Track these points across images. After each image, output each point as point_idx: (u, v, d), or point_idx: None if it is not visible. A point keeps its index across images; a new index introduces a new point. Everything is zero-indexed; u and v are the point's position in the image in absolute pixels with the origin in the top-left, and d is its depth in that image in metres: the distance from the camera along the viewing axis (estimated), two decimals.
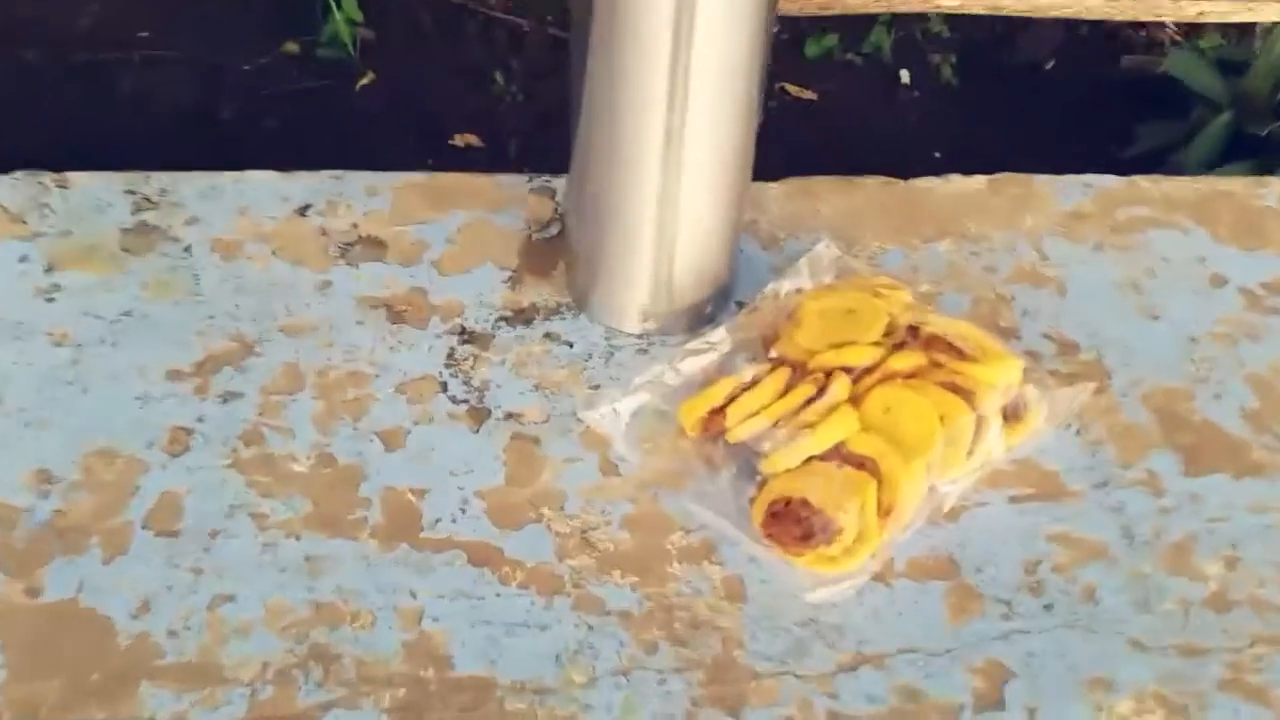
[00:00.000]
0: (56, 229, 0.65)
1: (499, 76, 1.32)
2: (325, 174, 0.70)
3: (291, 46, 1.33)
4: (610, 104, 0.55)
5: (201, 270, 0.63)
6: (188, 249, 0.64)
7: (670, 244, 0.59)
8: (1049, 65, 1.42)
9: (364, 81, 1.30)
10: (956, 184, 0.73)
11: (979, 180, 0.74)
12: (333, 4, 1.32)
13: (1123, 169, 1.05)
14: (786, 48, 1.35)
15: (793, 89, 1.26)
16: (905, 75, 1.30)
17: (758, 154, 0.60)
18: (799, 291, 0.62)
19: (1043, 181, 0.74)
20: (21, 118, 1.24)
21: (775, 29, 0.55)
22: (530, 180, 0.71)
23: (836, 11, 0.84)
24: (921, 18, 1.40)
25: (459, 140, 1.23)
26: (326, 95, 1.30)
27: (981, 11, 0.85)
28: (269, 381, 0.58)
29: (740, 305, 0.64)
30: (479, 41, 1.39)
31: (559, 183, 0.70)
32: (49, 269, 0.63)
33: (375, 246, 0.66)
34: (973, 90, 1.38)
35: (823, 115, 1.25)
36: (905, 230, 0.70)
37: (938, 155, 1.21)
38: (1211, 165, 1.15)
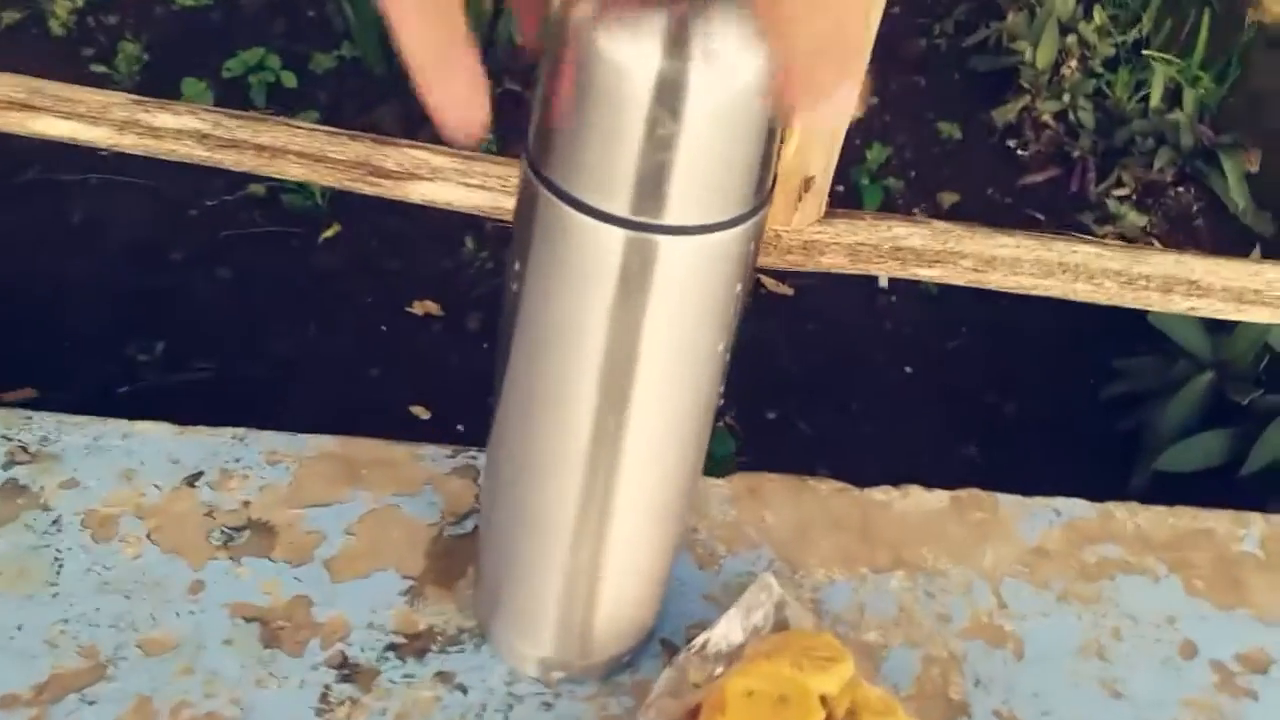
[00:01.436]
0: None
1: (469, 241, 1.27)
2: (227, 433, 0.63)
3: (257, 188, 1.28)
4: (527, 406, 0.48)
5: (66, 554, 0.56)
6: (56, 522, 0.58)
7: (587, 594, 0.52)
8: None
9: (328, 234, 1.25)
10: (915, 500, 0.68)
11: (941, 498, 0.68)
12: None
13: (1100, 410, 1.00)
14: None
15: (769, 283, 1.21)
16: (884, 279, 1.26)
17: None
18: (727, 650, 0.56)
19: (1009, 507, 0.68)
20: None
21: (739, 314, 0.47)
22: (454, 455, 0.65)
23: (809, 269, 0.80)
24: None
25: (418, 308, 1.18)
26: (287, 244, 1.25)
27: (964, 284, 0.81)
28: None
29: (664, 644, 0.58)
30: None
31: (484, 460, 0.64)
32: None
33: (264, 535, 0.59)
34: (952, 303, 1.34)
35: (796, 312, 1.21)
36: (857, 555, 0.64)
37: (909, 370, 1.17)
38: (1189, 428, 1.11)
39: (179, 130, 0.78)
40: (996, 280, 0.82)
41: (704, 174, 0.38)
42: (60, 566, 0.56)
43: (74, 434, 0.62)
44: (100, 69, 1.58)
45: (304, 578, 0.57)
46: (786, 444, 1.14)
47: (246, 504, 0.60)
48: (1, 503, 0.58)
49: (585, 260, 0.41)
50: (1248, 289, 0.83)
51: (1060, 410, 1.19)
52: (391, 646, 0.55)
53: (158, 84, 1.58)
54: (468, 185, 0.81)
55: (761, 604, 0.58)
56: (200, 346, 1.10)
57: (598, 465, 0.47)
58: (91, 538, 0.57)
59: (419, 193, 0.79)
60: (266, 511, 0.60)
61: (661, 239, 0.40)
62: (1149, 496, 1.11)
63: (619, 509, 0.48)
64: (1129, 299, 0.80)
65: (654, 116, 0.37)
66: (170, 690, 0.52)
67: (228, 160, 0.78)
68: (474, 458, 0.65)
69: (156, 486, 0.60)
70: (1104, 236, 1.66)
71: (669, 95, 0.36)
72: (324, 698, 0.53)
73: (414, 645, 0.56)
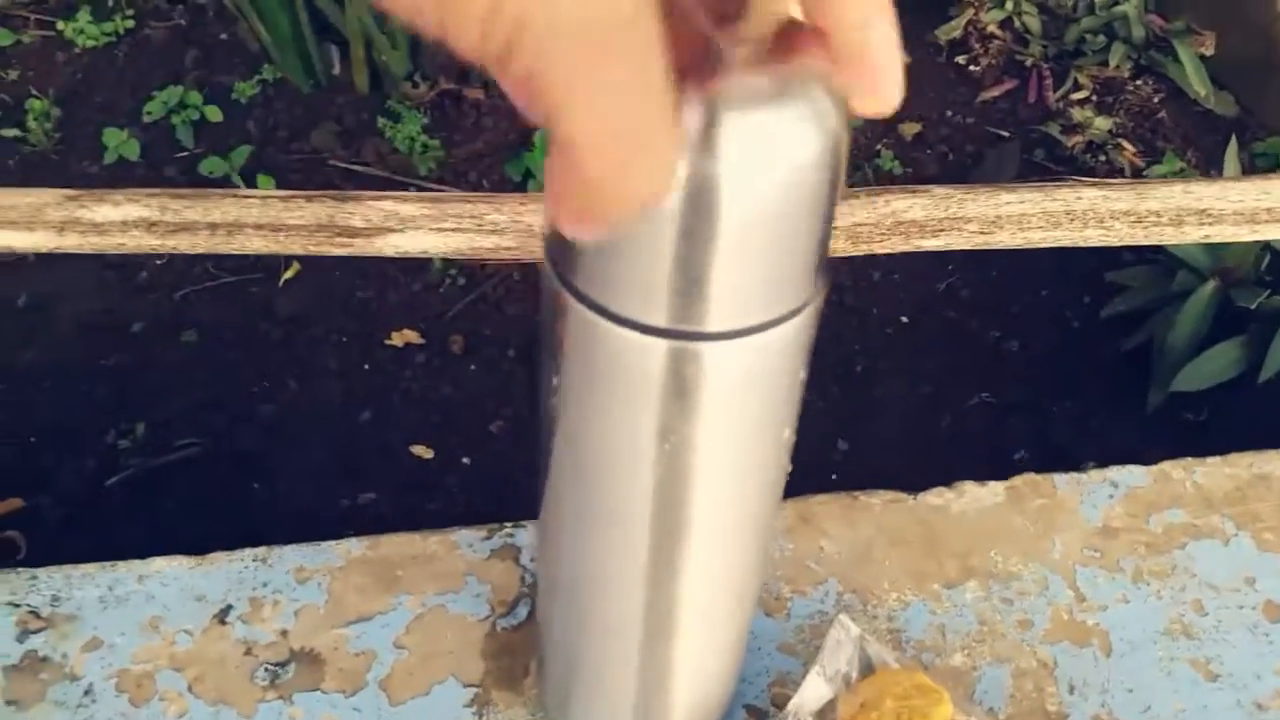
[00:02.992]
0: None
1: (436, 259, 1.22)
2: (247, 555, 0.60)
3: None
4: (578, 525, 0.44)
5: None
6: (88, 692, 0.54)
7: (663, 687, 0.49)
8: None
9: (288, 274, 1.19)
10: (971, 498, 0.65)
11: (996, 491, 0.66)
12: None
13: (1100, 328, 0.98)
14: None
15: None
16: None
17: None
18: (819, 709, 0.53)
19: (1065, 488, 0.66)
20: None
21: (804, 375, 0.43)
22: (488, 537, 0.61)
23: None
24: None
25: (396, 339, 1.13)
26: (247, 292, 1.19)
27: (970, 248, 0.78)
28: None
29: (749, 711, 0.55)
30: None
31: (524, 535, 0.61)
32: None
33: (311, 665, 0.56)
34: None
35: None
36: (924, 571, 0.61)
37: (905, 320, 1.14)
38: (1200, 343, 1.09)
39: (124, 222, 0.72)
40: (1004, 239, 0.79)
41: (751, 274, 0.34)
42: None
43: (86, 587, 0.58)
44: (12, 132, 1.50)
45: (363, 707, 0.54)
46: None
47: (284, 633, 0.56)
48: (24, 681, 0.54)
49: (627, 375, 0.37)
50: (1260, 209, 0.81)
51: (1064, 337, 1.17)
52: None
53: (77, 139, 1.50)
54: (441, 230, 0.77)
55: (843, 647, 0.56)
56: (181, 421, 1.05)
57: (660, 577, 0.43)
58: (130, 702, 0.54)
59: (392, 245, 0.75)
60: (308, 637, 0.56)
61: (710, 346, 0.36)
62: (1168, 415, 1.10)
63: (687, 609, 0.45)
64: (1141, 237, 0.77)
65: (688, 224, 0.33)
66: None
67: (182, 245, 0.73)
68: (510, 535, 0.61)
69: (187, 631, 0.56)
70: (1072, 146, 1.63)
71: (703, 199, 0.32)
72: None
73: None
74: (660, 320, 0.35)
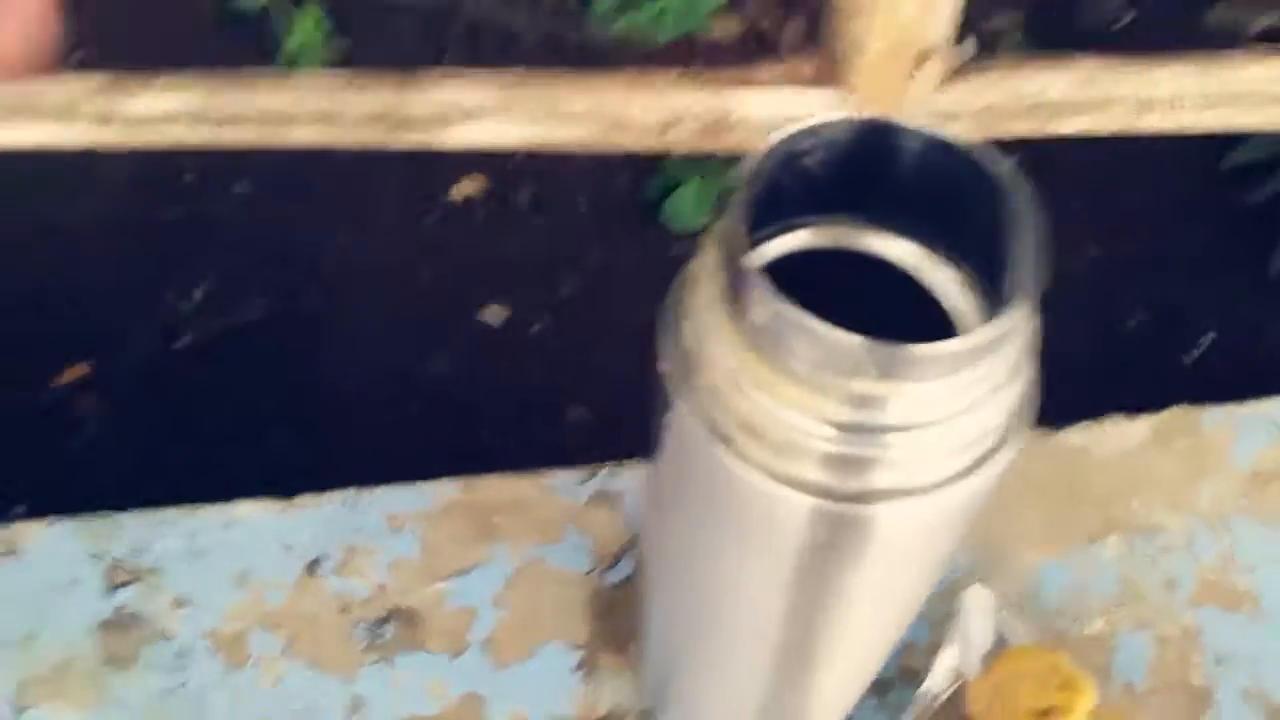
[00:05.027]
0: (16, 630, 0.52)
1: None
2: (336, 498, 0.56)
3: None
4: (693, 658, 0.42)
5: (205, 692, 0.51)
6: (182, 654, 0.52)
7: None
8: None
9: None
10: (1117, 436, 0.59)
11: (1141, 429, 0.59)
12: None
13: (1223, 180, 0.89)
14: None
15: None
16: None
17: None
18: (954, 692, 0.50)
19: (1216, 425, 0.59)
20: None
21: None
22: (586, 480, 0.57)
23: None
24: None
25: (456, 193, 1.05)
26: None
27: (1114, 132, 0.67)
28: None
29: (875, 687, 0.52)
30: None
31: (624, 478, 0.57)
32: (20, 709, 0.51)
33: (410, 624, 0.53)
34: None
35: None
36: (1066, 524, 0.56)
37: None
38: None
39: (166, 114, 0.64)
40: (1153, 123, 0.68)
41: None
42: (204, 710, 0.51)
43: (168, 535, 0.55)
44: None
45: (467, 669, 0.52)
46: None
47: (381, 588, 0.54)
48: (118, 638, 0.52)
49: (768, 529, 0.31)
50: None
51: (1186, 189, 1.06)
52: None
53: None
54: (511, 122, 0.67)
55: (973, 619, 0.52)
56: (242, 281, 1.01)
57: (783, 702, 0.40)
58: (224, 666, 0.52)
59: (458, 138, 0.66)
60: (405, 593, 0.54)
61: (870, 509, 0.30)
62: None
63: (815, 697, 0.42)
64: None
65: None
66: None
67: (225, 138, 0.65)
68: (610, 478, 0.57)
69: (277, 586, 0.54)
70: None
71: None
72: None
73: None
74: (817, 476, 0.29)
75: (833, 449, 0.28)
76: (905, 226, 0.32)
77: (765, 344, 0.27)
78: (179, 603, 0.53)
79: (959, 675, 0.51)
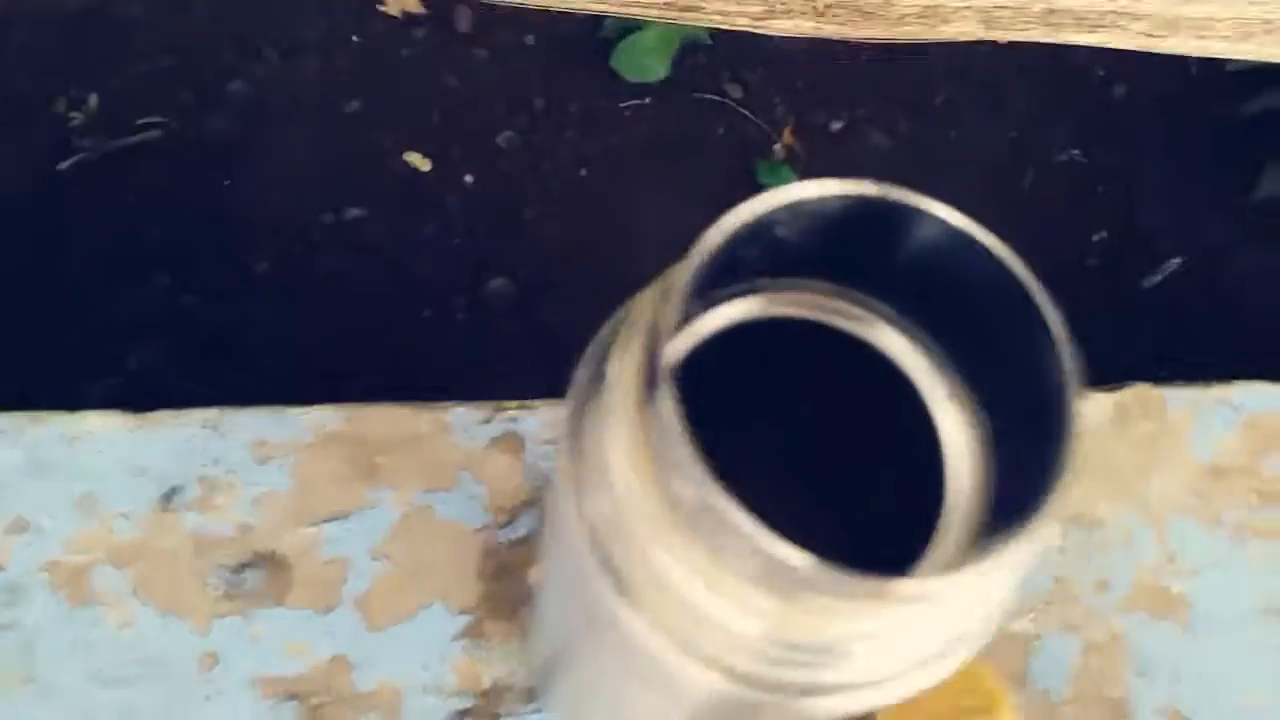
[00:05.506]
0: None
1: None
2: (196, 419, 0.49)
3: None
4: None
5: (41, 634, 0.45)
6: (16, 589, 0.46)
7: None
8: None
9: None
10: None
11: (1103, 406, 0.54)
12: None
13: (1225, 81, 0.84)
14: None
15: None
16: None
17: None
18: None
19: (1180, 409, 0.55)
20: None
21: None
22: (487, 420, 0.51)
23: (928, 39, 0.57)
24: None
25: (392, 5, 0.93)
26: None
27: (1132, 49, 0.59)
28: None
29: None
30: None
31: (534, 418, 0.51)
32: None
33: (275, 572, 0.47)
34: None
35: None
36: None
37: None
38: None
39: None
40: (1174, 44, 0.60)
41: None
42: (37, 654, 0.45)
43: (6, 447, 0.48)
44: None
45: (335, 629, 0.47)
46: (858, 162, 0.96)
47: (244, 528, 0.48)
48: None
49: (666, 690, 0.25)
50: None
51: (1179, 86, 0.98)
52: (460, 715, 0.46)
53: None
54: None
55: None
56: (140, 95, 0.89)
57: None
58: (66, 603, 0.46)
59: None
60: (271, 537, 0.48)
61: (799, 703, 0.24)
62: None
63: None
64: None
65: None
66: None
67: None
68: (513, 420, 0.51)
69: (125, 516, 0.48)
70: None
71: None
72: None
73: (484, 709, 0.47)
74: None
75: (763, 648, 0.22)
76: (898, 311, 0.25)
77: (687, 512, 0.21)
78: (15, 528, 0.47)
79: None
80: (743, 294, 0.24)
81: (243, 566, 0.47)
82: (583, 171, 0.92)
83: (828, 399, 0.24)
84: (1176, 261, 0.91)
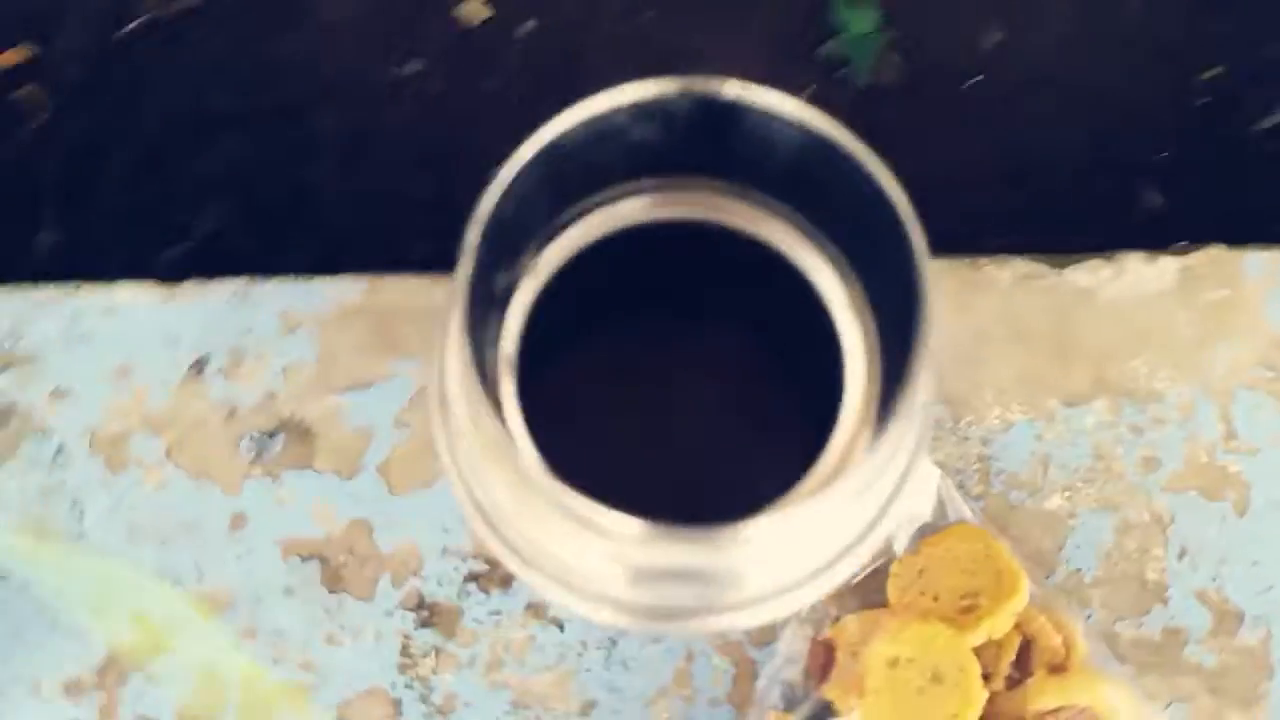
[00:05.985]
0: None
1: None
2: (225, 290, 0.50)
3: None
4: None
5: (84, 494, 0.48)
6: (61, 451, 0.49)
7: None
8: None
9: None
10: (1132, 279, 0.50)
11: (1166, 270, 0.50)
12: None
13: None
14: None
15: None
16: None
17: None
18: (878, 569, 0.45)
19: (1257, 274, 0.50)
20: None
21: None
22: None
23: None
24: None
25: None
26: None
27: None
28: (188, 699, 0.47)
29: None
30: None
31: None
32: None
33: (301, 439, 0.49)
34: None
35: None
36: (1045, 381, 0.49)
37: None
38: None
39: None
40: None
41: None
42: (82, 512, 0.48)
43: (49, 316, 0.50)
44: None
45: (359, 495, 0.48)
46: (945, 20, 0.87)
47: (271, 396, 0.49)
48: None
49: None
50: None
51: None
52: (472, 577, 0.48)
53: None
54: None
55: (914, 489, 0.46)
56: None
57: None
58: (105, 466, 0.49)
59: None
60: (297, 404, 0.49)
61: (673, 625, 0.22)
62: None
63: None
64: None
65: None
66: (235, 659, 0.47)
67: None
68: None
69: (162, 383, 0.49)
70: None
71: None
72: (405, 650, 0.47)
73: (497, 573, 0.48)
74: None
75: (626, 593, 0.21)
76: (770, 197, 0.23)
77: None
78: (57, 393, 0.49)
79: (885, 551, 0.46)
80: (633, 194, 0.22)
81: (270, 434, 0.49)
82: (649, 14, 0.87)
83: (724, 298, 0.22)
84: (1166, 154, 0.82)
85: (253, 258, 0.84)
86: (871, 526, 0.24)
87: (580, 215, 0.23)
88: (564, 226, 0.22)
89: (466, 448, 0.21)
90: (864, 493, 0.22)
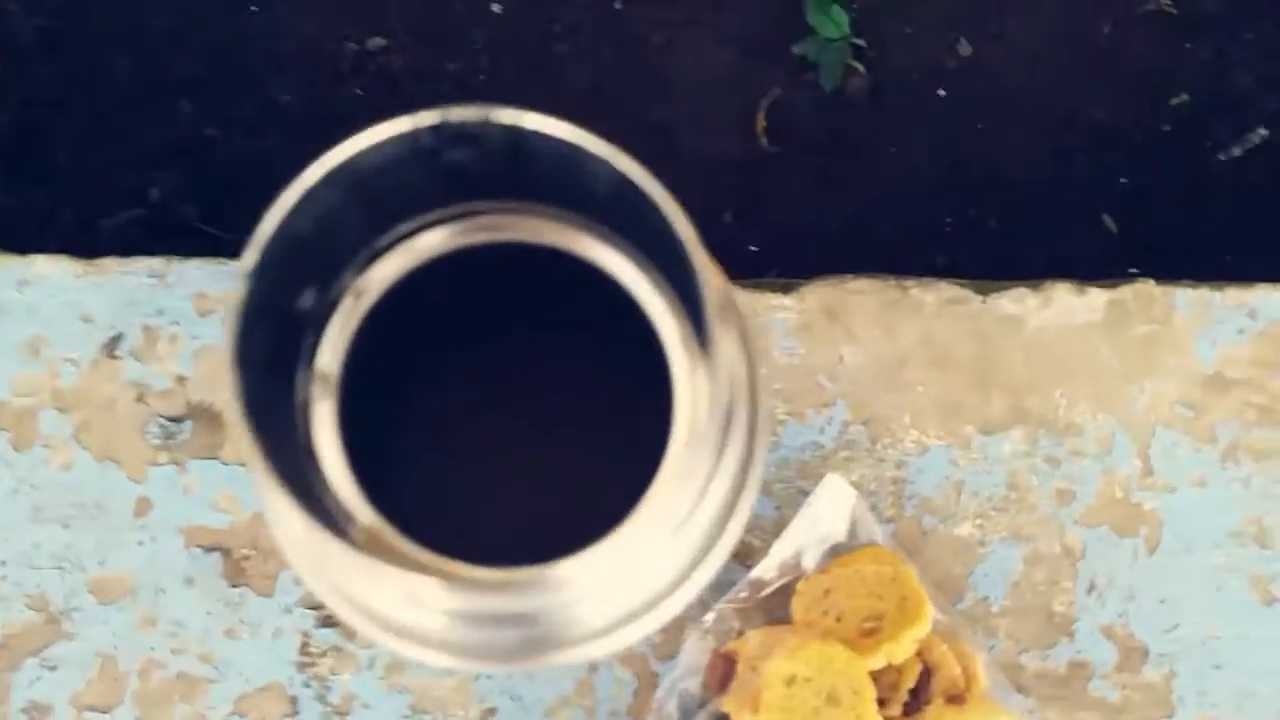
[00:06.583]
0: None
1: None
2: (143, 270, 0.49)
3: None
4: None
5: None
6: None
7: None
8: None
9: None
10: (1060, 309, 0.49)
11: (1095, 303, 0.50)
12: None
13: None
14: None
15: None
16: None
17: None
18: (781, 589, 0.45)
19: (1188, 312, 0.49)
20: None
21: None
22: None
23: None
24: None
25: None
26: None
27: None
28: (81, 687, 0.46)
29: None
30: None
31: None
32: None
33: (208, 427, 0.48)
34: None
35: None
36: (963, 407, 0.48)
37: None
38: None
39: None
40: None
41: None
42: None
43: None
44: None
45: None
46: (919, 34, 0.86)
47: (181, 381, 0.48)
48: None
49: None
50: None
51: None
52: None
53: None
54: None
55: (828, 509, 0.46)
56: None
57: None
58: (10, 444, 0.48)
59: None
60: (206, 389, 0.48)
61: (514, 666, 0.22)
62: None
63: None
64: None
65: None
66: (133, 647, 0.46)
67: None
68: None
69: (71, 361, 0.48)
70: None
71: None
72: (304, 648, 0.46)
73: None
74: None
75: (450, 636, 0.21)
76: (588, 218, 0.22)
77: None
78: None
79: (794, 568, 0.46)
80: (459, 218, 0.22)
81: (178, 419, 0.48)
82: (617, 5, 0.86)
83: (553, 318, 0.22)
84: (1263, 133, 0.81)
85: (199, 231, 0.83)
86: (705, 551, 0.24)
87: (406, 237, 0.22)
88: (389, 247, 0.21)
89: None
90: (683, 523, 0.22)
